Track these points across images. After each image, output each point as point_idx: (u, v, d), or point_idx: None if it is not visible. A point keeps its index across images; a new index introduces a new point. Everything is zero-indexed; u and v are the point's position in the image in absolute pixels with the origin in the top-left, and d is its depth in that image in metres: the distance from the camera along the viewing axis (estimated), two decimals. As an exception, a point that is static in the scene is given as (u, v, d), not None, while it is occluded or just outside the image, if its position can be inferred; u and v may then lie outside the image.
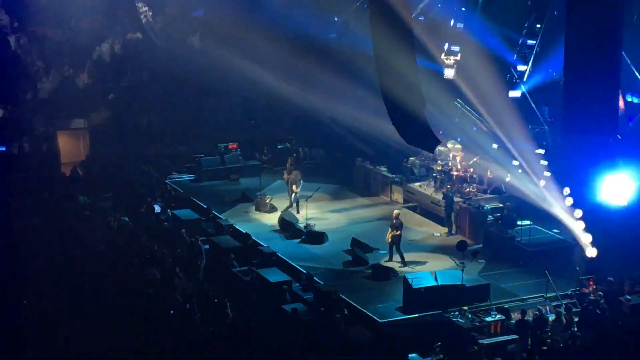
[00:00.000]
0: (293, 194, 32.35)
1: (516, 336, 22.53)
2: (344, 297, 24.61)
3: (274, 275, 25.77)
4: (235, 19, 42.17)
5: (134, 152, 38.25)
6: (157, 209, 30.94)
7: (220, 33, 42.69)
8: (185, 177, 37.33)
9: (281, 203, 33.21)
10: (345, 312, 23.53)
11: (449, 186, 31.49)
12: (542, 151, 30.86)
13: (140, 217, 30.10)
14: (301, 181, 32.53)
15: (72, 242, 25.55)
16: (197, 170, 37.17)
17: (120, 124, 39.90)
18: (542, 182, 29.79)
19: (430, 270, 26.05)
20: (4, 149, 32.94)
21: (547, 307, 24.22)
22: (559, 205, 28.71)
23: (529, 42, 32.12)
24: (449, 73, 33.11)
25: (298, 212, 32.18)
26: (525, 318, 23.14)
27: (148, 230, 28.66)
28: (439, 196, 31.65)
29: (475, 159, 32.52)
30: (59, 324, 19.87)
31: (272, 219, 31.98)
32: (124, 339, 19.11)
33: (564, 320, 23.19)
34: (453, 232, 30.58)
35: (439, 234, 30.62)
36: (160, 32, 44.09)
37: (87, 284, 22.37)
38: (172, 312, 21.44)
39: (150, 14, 43.67)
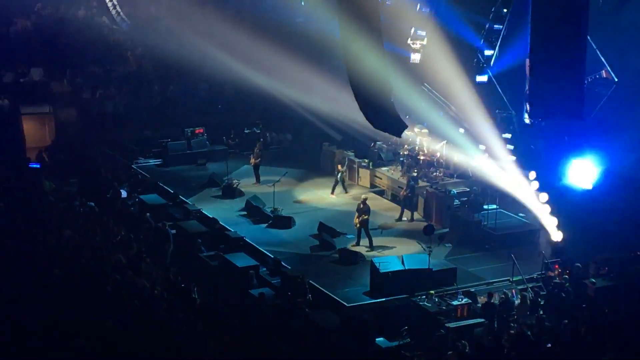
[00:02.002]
0: (339, 173, 32.89)
1: (483, 320, 22.69)
2: (311, 281, 24.62)
3: (241, 260, 25.74)
4: (202, 3, 42.03)
5: (100, 136, 37.97)
6: (124, 194, 30.78)
7: (188, 18, 42.51)
8: (152, 161, 37.21)
9: (248, 188, 33.26)
10: (309, 297, 23.56)
11: (415, 173, 31.54)
12: (508, 135, 31.00)
13: (107, 202, 29.91)
14: (346, 159, 33.12)
15: (38, 227, 25.33)
16: (164, 155, 37.06)
17: (86, 108, 39.57)
18: (508, 166, 29.95)
19: (398, 255, 26.15)
20: (38, 165, 32.75)
21: (513, 291, 24.38)
22: (525, 190, 28.89)
23: (496, 26, 32.20)
24: (415, 57, 33.17)
25: (344, 189, 33.08)
26: (492, 301, 23.28)
27: (114, 215, 28.49)
28: (406, 180, 31.74)
29: (442, 144, 32.64)
30: (23, 310, 19.70)
31: (239, 203, 31.96)
32: (90, 325, 18.98)
33: (530, 303, 23.37)
34: (414, 217, 30.66)
35: (406, 219, 30.68)
36: (127, 16, 43.80)
37: (52, 269, 22.18)
38: (138, 297, 21.35)
39: (117, -2, 43.41)
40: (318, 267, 26.75)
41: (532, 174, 28.79)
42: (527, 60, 28.98)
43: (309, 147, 38.34)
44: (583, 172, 28.33)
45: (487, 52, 32.48)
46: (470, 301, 23.44)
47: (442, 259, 26.78)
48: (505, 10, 31.95)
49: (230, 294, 24.39)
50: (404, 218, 30.67)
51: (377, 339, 21.51)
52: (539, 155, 30.73)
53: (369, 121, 25.30)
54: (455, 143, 32.57)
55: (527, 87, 30.06)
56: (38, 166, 32.62)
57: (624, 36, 28.74)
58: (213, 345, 19.19)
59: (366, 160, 34.42)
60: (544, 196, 28.20)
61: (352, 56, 24.04)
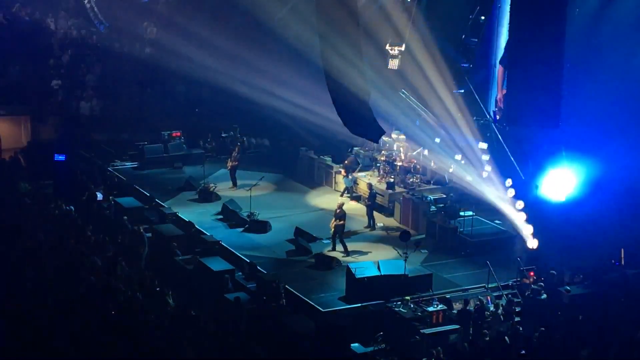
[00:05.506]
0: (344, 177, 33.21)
1: (458, 326, 22.72)
2: (287, 286, 24.58)
3: (217, 264, 25.66)
4: (180, 6, 41.94)
5: (76, 139, 37.75)
6: (99, 196, 30.63)
7: (165, 20, 42.40)
8: (128, 164, 37.05)
9: (225, 192, 33.20)
10: (283, 302, 23.52)
11: (393, 179, 31.55)
12: (484, 145, 30.97)
13: (82, 204, 29.76)
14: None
15: (12, 229, 25.18)
16: (140, 158, 36.92)
17: (63, 110, 39.36)
18: (485, 173, 30.03)
19: (374, 260, 26.15)
20: (62, 158, 32.42)
21: (489, 298, 24.41)
22: (501, 197, 28.97)
23: (473, 38, 32.25)
24: (393, 64, 33.14)
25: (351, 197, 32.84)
26: (467, 308, 23.32)
27: (90, 218, 28.36)
28: (383, 186, 31.79)
29: (419, 150, 32.69)
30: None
31: (216, 207, 31.89)
32: (64, 328, 18.89)
33: (504, 310, 23.41)
34: (376, 226, 30.67)
35: (381, 224, 30.68)
36: (104, 18, 43.59)
37: (27, 272, 22.07)
38: (113, 301, 21.26)
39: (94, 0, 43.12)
40: (294, 272, 26.72)
41: (509, 181, 28.90)
42: (499, 66, 29.18)
43: (286, 151, 38.32)
44: (559, 182, 28.38)
45: (464, 64, 32.50)
46: (445, 307, 23.46)
47: (418, 265, 26.81)
48: (482, 17, 31.97)
49: (206, 298, 24.31)
50: (380, 223, 30.65)
51: (352, 345, 21.51)
52: (515, 162, 30.80)
53: (347, 126, 25.31)
54: (433, 149, 32.64)
55: (497, 93, 30.31)
56: (63, 158, 32.41)
57: (603, 46, 28.85)
58: (188, 349, 19.14)
59: (343, 166, 34.33)
60: (520, 203, 28.28)
61: (331, 61, 24.06)
